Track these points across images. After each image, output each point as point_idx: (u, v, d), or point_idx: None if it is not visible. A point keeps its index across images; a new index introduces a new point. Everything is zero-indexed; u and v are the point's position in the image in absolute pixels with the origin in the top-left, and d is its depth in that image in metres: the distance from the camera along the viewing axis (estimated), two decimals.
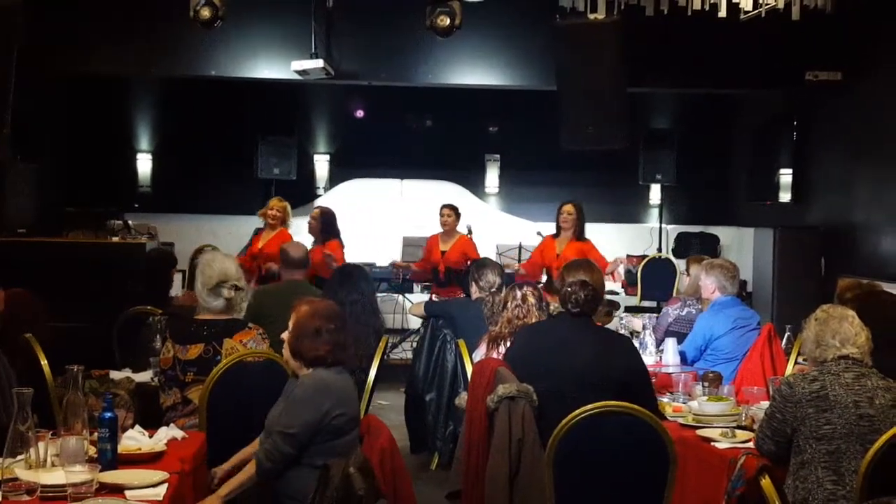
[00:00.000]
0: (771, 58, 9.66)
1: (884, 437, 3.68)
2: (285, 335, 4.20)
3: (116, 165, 12.41)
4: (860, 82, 9.42)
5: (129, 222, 9.39)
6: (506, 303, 5.62)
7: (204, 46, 9.45)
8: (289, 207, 8.98)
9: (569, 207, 8.77)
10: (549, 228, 10.49)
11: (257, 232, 11.68)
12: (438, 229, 9.51)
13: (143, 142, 12.74)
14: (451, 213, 9.34)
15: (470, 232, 10.49)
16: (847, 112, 9.83)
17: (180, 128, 12.48)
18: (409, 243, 10.11)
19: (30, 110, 9.49)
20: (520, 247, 10.13)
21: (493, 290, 6.56)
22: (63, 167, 11.53)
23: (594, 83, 8.94)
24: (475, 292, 6.71)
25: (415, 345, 7.78)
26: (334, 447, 3.93)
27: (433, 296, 9.12)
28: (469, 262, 8.05)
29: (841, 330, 3.95)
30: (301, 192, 12.35)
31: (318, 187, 12.73)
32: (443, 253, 9.24)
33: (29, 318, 5.36)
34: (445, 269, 9.23)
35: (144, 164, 12.63)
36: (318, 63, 9.07)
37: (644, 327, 6.44)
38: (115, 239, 8.72)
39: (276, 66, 9.57)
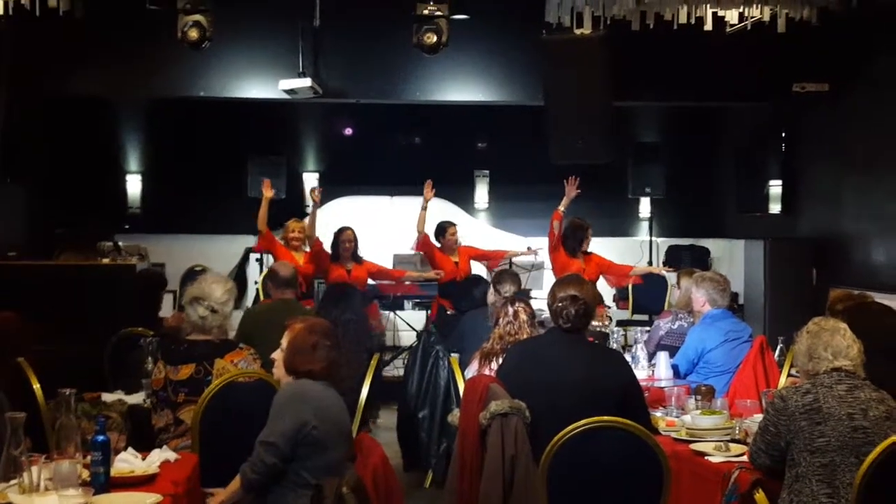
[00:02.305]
0: (758, 70, 9.68)
1: (878, 449, 3.67)
2: (276, 354, 4.19)
3: (106, 187, 12.40)
4: (847, 93, 9.46)
5: (120, 244, 9.41)
6: (497, 319, 5.63)
7: (192, 67, 9.45)
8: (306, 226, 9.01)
9: (590, 230, 8.78)
10: (540, 243, 10.51)
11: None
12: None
13: (133, 163, 12.73)
14: (457, 229, 9.36)
15: None
16: (835, 123, 9.87)
17: (169, 148, 12.47)
18: (399, 260, 10.08)
19: (18, 132, 9.48)
20: (510, 262, 10.11)
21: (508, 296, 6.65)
22: (53, 189, 11.51)
23: (582, 98, 8.97)
24: (491, 295, 6.77)
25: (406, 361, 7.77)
26: (319, 464, 3.92)
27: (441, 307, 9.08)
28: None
29: (833, 343, 3.95)
30: (291, 210, 12.34)
31: (308, 206, 12.70)
32: (456, 264, 9.21)
33: (18, 342, 5.33)
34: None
35: (134, 185, 12.62)
36: (306, 82, 9.08)
37: (636, 341, 6.44)
38: (106, 260, 8.70)
39: (264, 85, 9.56)
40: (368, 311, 8.60)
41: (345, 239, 8.76)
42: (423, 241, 9.02)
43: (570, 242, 8.71)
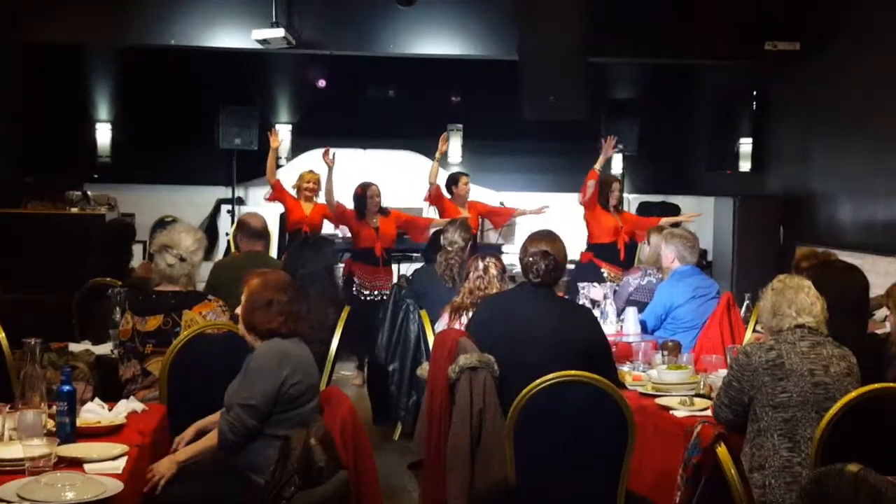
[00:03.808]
0: (731, 28, 9.69)
1: (838, 405, 3.72)
2: (239, 310, 4.18)
3: (75, 135, 12.26)
4: (818, 52, 9.47)
5: (89, 193, 9.32)
6: (468, 273, 5.65)
7: (163, 15, 9.33)
8: (320, 178, 8.93)
9: (618, 185, 8.77)
10: (512, 198, 10.53)
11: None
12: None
13: (103, 111, 12.59)
14: (469, 180, 9.30)
15: None
16: (805, 82, 9.90)
17: (140, 97, 12.34)
18: None
19: None
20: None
21: (452, 248, 6.72)
22: (20, 137, 11.38)
23: (556, 53, 8.93)
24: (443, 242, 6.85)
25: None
26: (293, 417, 3.93)
27: None
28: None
29: (797, 300, 3.99)
30: (263, 162, 12.26)
31: (280, 157, 12.64)
32: (467, 219, 9.17)
33: None
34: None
35: (104, 134, 12.49)
36: (279, 32, 8.99)
37: (605, 297, 6.48)
38: (74, 210, 8.65)
39: (236, 35, 9.46)
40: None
41: (372, 195, 8.58)
42: (435, 194, 8.94)
43: (600, 199, 8.69)
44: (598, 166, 8.58)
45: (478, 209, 9.26)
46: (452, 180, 9.17)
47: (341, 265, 9.12)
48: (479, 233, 9.38)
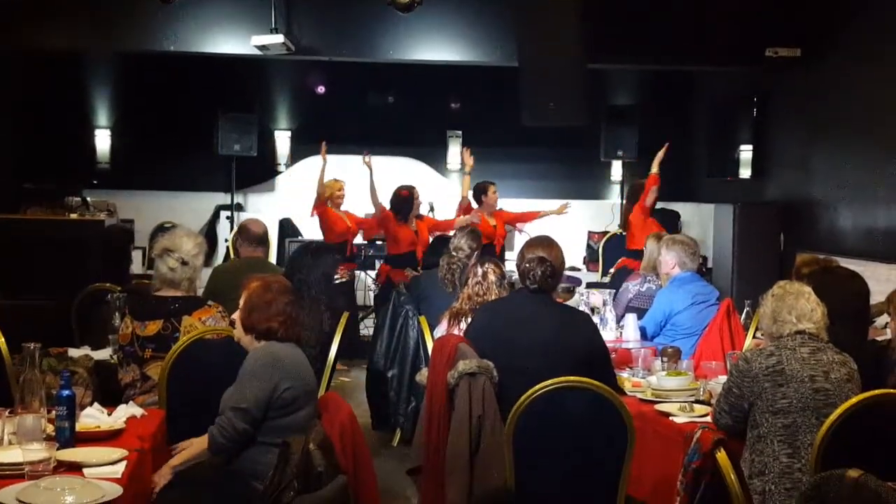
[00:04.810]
0: (731, 34, 9.69)
1: (838, 411, 3.72)
2: (236, 315, 4.17)
3: (75, 141, 12.25)
4: (819, 59, 9.48)
5: (88, 199, 9.31)
6: (467, 279, 5.65)
7: (163, 21, 9.34)
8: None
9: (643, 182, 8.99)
10: (512, 205, 10.52)
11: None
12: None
13: (102, 118, 12.58)
14: (496, 188, 9.36)
15: (431, 209, 10.48)
16: (806, 89, 9.90)
17: (139, 103, 12.33)
18: None
19: None
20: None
21: (456, 253, 6.71)
22: (20, 143, 11.38)
23: (555, 59, 8.93)
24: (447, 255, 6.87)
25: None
26: (288, 424, 3.93)
27: None
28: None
29: (797, 306, 3.99)
30: (262, 168, 12.28)
31: (279, 164, 12.65)
32: (494, 227, 9.22)
33: None
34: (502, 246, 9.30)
35: (103, 141, 12.48)
36: (279, 38, 9.00)
37: (604, 303, 6.48)
38: (74, 216, 8.64)
39: (235, 41, 9.47)
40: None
41: (417, 196, 8.75)
42: (465, 207, 9.04)
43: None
44: (654, 170, 8.73)
45: (504, 218, 9.36)
46: (481, 189, 9.28)
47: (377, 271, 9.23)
48: (504, 241, 9.48)
